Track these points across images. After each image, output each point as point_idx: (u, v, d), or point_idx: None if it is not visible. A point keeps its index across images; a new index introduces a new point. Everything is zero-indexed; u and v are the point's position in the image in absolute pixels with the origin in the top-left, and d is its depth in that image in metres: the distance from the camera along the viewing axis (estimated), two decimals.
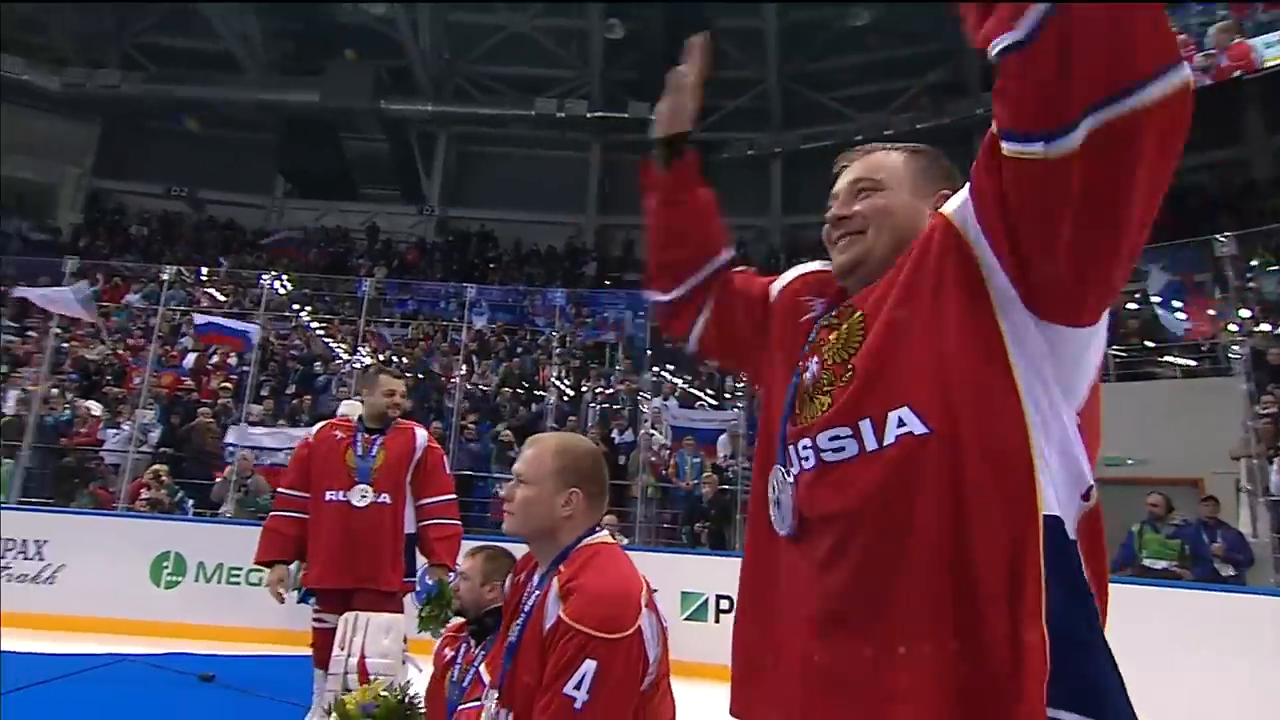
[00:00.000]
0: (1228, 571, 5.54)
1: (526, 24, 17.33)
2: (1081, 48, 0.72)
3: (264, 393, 9.79)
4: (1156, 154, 0.75)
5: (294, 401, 9.75)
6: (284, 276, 12.49)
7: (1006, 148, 0.81)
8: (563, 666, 1.35)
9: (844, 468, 0.96)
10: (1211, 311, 8.93)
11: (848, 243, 1.06)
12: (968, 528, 0.86)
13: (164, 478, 7.07)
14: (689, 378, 10.77)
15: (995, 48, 0.78)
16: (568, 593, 1.41)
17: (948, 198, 1.01)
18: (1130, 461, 8.66)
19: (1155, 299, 8.37)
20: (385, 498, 3.33)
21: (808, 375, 1.05)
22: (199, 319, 9.61)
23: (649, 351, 10.98)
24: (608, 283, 16.46)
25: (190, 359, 10.45)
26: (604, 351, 11.98)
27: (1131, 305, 10.79)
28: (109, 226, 17.86)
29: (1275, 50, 11.52)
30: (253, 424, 8.39)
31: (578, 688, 1.32)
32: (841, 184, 1.10)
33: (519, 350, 11.80)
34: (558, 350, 11.09)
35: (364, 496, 3.31)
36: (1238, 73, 11.86)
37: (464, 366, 10.18)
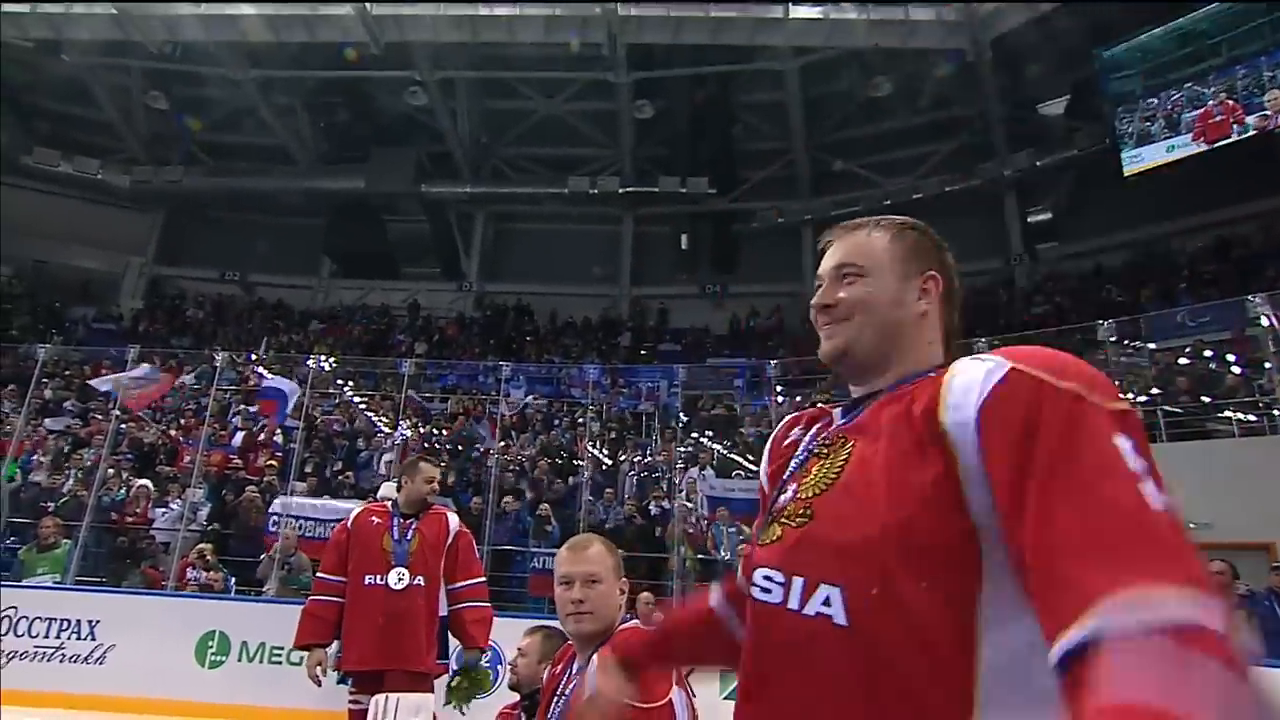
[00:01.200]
0: None
1: (559, 107, 18.18)
2: None
3: (308, 469, 10.03)
4: None
5: (338, 478, 9.95)
6: (328, 356, 12.92)
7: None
8: None
9: (769, 610, 0.93)
10: (1268, 365, 8.67)
11: (832, 331, 1.03)
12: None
13: (209, 556, 7.22)
14: (728, 444, 10.73)
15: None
16: None
17: (934, 278, 1.02)
18: (1192, 526, 8.29)
19: (1207, 353, 8.12)
20: (420, 580, 3.39)
21: (781, 499, 1.00)
22: (265, 379, 10.03)
23: (683, 420, 11.01)
24: (642, 353, 16.66)
25: (239, 438, 10.78)
26: (640, 422, 12.03)
27: (1183, 361, 10.53)
28: (167, 310, 18.80)
29: None
30: (298, 496, 8.59)
31: None
32: (826, 266, 1.07)
33: (556, 423, 11.92)
34: (594, 421, 11.18)
35: (400, 580, 3.38)
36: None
37: (501, 440, 10.30)
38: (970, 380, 0.81)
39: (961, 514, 0.79)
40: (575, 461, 10.42)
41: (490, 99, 18.32)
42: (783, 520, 0.96)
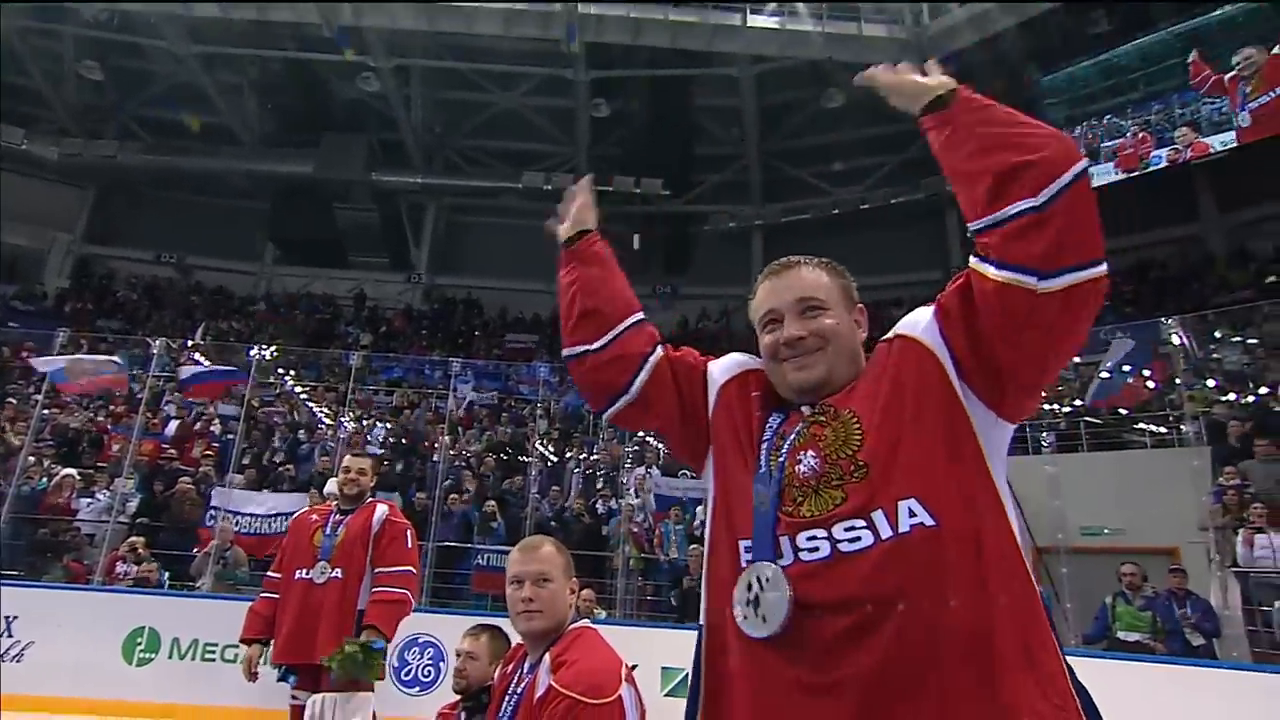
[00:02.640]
0: (1197, 640, 5.59)
1: (516, 101, 18.04)
2: (1072, 225, 1.03)
3: (246, 461, 9.75)
4: (1092, 312, 1.05)
5: (278, 470, 9.70)
6: (269, 344, 12.56)
7: (999, 274, 1.03)
8: None
9: (860, 557, 1.02)
10: (1178, 380, 9.24)
11: (807, 363, 1.14)
12: (987, 609, 0.97)
13: (140, 550, 6.98)
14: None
15: (1012, 209, 1.04)
16: (559, 665, 1.56)
17: (862, 309, 1.25)
18: (1107, 531, 8.77)
19: (1111, 369, 8.61)
20: (338, 573, 3.40)
21: (802, 468, 1.09)
22: (184, 371, 9.65)
23: None
24: None
25: (172, 426, 10.41)
26: (587, 420, 12.08)
27: (1105, 375, 11.13)
28: (95, 291, 17.94)
29: (1227, 138, 12.35)
30: (237, 488, 8.34)
31: None
32: (780, 301, 1.19)
33: (503, 419, 11.86)
34: (542, 419, 11.17)
35: (323, 573, 3.41)
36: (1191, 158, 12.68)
37: (448, 436, 10.22)
38: (922, 315, 1.14)
39: (955, 399, 1.07)
40: (521, 458, 10.40)
41: (446, 89, 18.04)
42: (834, 484, 1.07)
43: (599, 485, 9.80)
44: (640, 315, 1.36)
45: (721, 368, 1.29)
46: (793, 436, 1.12)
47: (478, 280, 19.33)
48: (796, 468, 1.09)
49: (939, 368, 1.08)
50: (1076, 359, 11.56)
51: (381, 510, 3.58)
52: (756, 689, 1.03)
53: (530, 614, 1.72)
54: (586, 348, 1.32)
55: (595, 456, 10.56)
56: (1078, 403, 10.59)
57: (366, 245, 19.66)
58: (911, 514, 1.01)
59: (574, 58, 16.01)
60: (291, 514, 7.58)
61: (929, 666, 0.95)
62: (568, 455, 10.77)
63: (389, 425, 11.46)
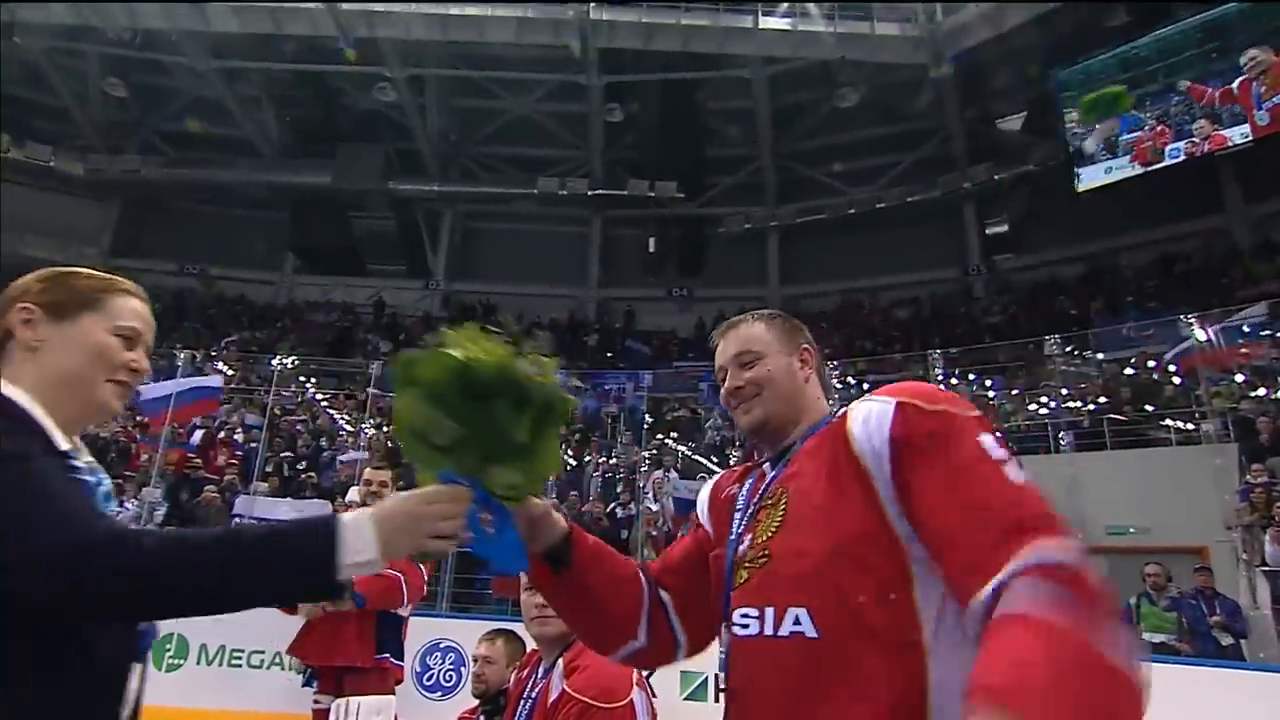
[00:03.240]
0: (1226, 641, 5.51)
1: (529, 108, 18.18)
2: None
3: (269, 469, 9.91)
4: None
5: (300, 478, 9.85)
6: (290, 352, 12.74)
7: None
8: None
9: (749, 643, 1.08)
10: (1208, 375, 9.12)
11: (747, 408, 1.25)
12: (851, 711, 0.96)
13: None
14: (692, 445, 10.88)
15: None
16: (571, 670, 1.60)
17: (808, 349, 1.27)
18: (1132, 530, 8.64)
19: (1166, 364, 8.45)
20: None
21: (741, 548, 1.16)
22: (149, 391, 8.69)
23: (649, 423, 11.13)
24: (609, 355, 16.75)
25: (198, 435, 10.60)
26: (605, 424, 12.13)
27: (1128, 371, 10.99)
28: None
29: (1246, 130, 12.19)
30: (260, 495, 8.49)
31: None
32: (724, 359, 1.29)
33: None
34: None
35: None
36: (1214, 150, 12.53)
37: None
38: (869, 416, 1.05)
39: (885, 525, 1.00)
40: None
41: (461, 97, 18.24)
42: (746, 565, 1.13)
43: (618, 489, 9.83)
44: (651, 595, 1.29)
45: (704, 490, 1.37)
46: (751, 510, 1.19)
47: (494, 286, 19.47)
48: (740, 546, 1.16)
49: (862, 468, 1.04)
50: (1100, 355, 11.46)
51: None
52: None
53: (544, 619, 1.76)
54: (633, 646, 1.28)
55: (614, 460, 10.60)
56: (1102, 400, 10.49)
57: (384, 253, 19.90)
58: (796, 622, 1.02)
59: (587, 63, 16.11)
60: None
61: None
62: (586, 459, 10.82)
63: None
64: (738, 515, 1.21)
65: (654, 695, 1.71)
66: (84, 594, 0.83)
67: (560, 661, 1.65)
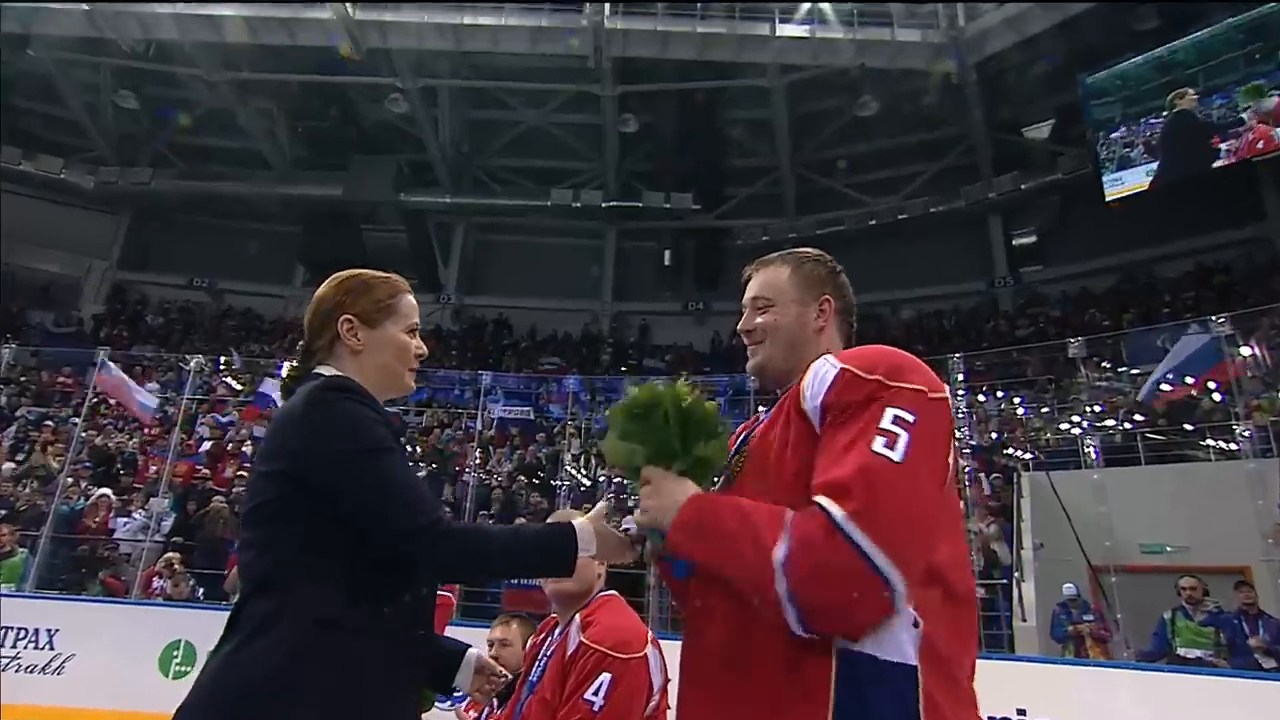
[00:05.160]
0: (1269, 664, 5.45)
1: (543, 119, 18.50)
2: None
3: None
4: None
5: None
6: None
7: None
8: (583, 678, 1.66)
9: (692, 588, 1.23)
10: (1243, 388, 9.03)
11: (754, 350, 1.38)
12: (761, 644, 1.07)
13: (177, 566, 7.26)
14: None
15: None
16: (588, 624, 1.69)
17: (828, 300, 1.36)
18: (1169, 549, 8.56)
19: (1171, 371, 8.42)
20: None
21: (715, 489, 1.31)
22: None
23: None
24: (624, 370, 16.85)
25: (206, 447, 10.80)
26: None
27: (1165, 387, 10.91)
28: (130, 317, 18.70)
29: None
30: None
31: (595, 694, 1.62)
32: (746, 297, 1.41)
33: (536, 438, 12.05)
34: (574, 438, 11.33)
35: None
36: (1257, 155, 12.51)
37: (478, 455, 10.41)
38: (815, 377, 1.15)
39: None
40: (553, 483, 10.54)
41: (474, 108, 18.59)
42: None
43: (631, 503, 9.88)
44: None
45: None
46: (732, 459, 1.33)
47: (507, 299, 19.71)
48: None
49: (815, 441, 1.12)
50: (1135, 371, 11.39)
51: None
52: None
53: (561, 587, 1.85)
54: None
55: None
56: (1138, 417, 10.42)
57: (395, 266, 19.27)
58: None
59: (601, 73, 16.39)
60: None
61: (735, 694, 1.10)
62: (600, 475, 10.89)
63: (418, 447, 11.72)
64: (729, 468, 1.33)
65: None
66: (435, 560, 1.27)
67: (576, 617, 1.74)
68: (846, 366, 1.12)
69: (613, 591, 1.90)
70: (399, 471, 1.28)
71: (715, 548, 1.08)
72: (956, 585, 1.10)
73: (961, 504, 1.28)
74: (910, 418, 1.05)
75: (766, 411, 1.33)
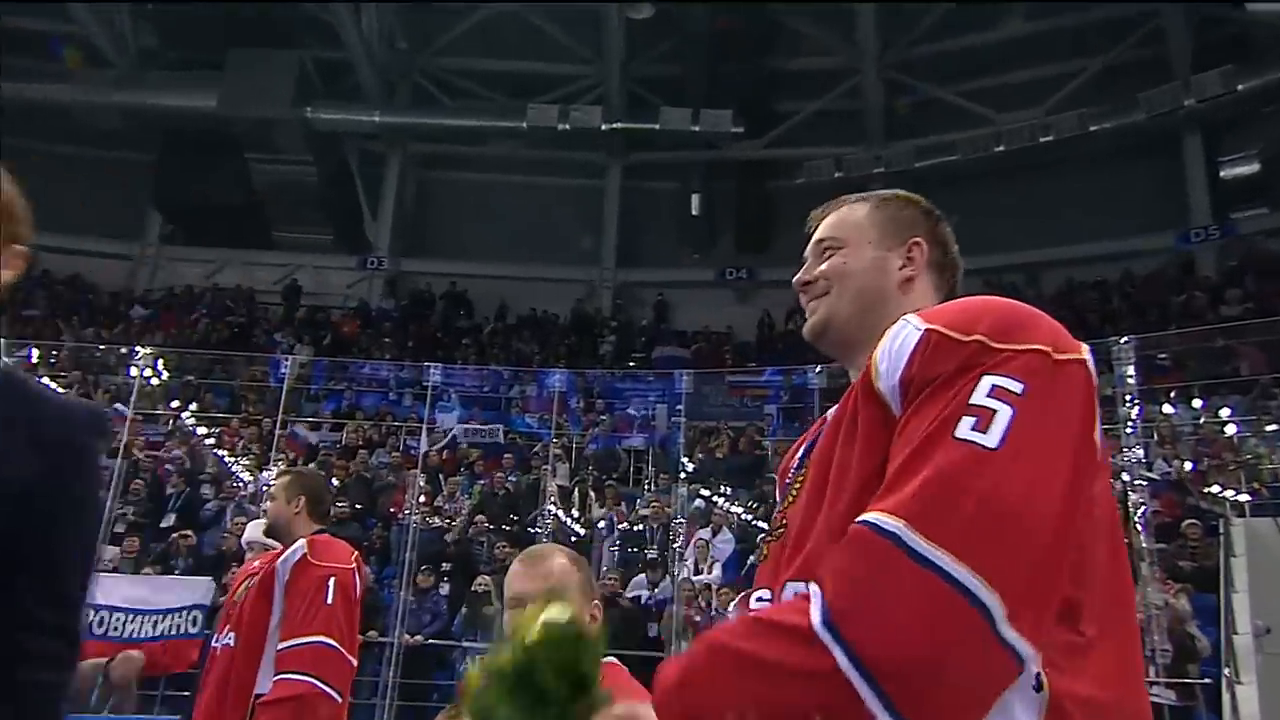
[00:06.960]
0: None
1: (515, 2, 18.45)
2: None
3: (120, 528, 10.12)
4: None
5: (171, 539, 10.06)
6: (157, 358, 13.00)
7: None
8: None
9: None
10: None
11: (814, 307, 1.43)
12: None
13: None
14: (751, 501, 10.94)
15: None
16: None
17: (919, 244, 1.41)
18: None
19: None
20: (230, 639, 3.69)
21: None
22: None
23: (687, 464, 11.17)
24: (631, 364, 16.84)
25: None
26: (625, 463, 12.23)
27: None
28: None
29: None
30: (105, 573, 8.61)
31: None
32: (809, 247, 1.48)
33: (504, 461, 12.11)
34: (560, 462, 11.38)
35: (225, 639, 3.73)
36: None
37: (423, 486, 10.46)
38: (892, 345, 1.16)
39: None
40: (531, 529, 10.60)
41: None
42: (769, 540, 1.36)
43: (645, 556, 9.95)
44: None
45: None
46: (795, 470, 1.41)
47: (463, 265, 19.80)
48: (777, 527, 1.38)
49: (884, 407, 1.15)
50: None
51: (297, 549, 3.65)
52: None
53: None
54: None
55: (645, 512, 10.67)
56: None
57: (300, 216, 20.24)
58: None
59: None
60: (186, 608, 7.88)
61: None
62: (598, 516, 10.94)
63: (334, 476, 11.80)
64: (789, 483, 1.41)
65: None
66: None
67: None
68: (933, 327, 1.12)
69: (610, 659, 1.93)
70: None
71: (725, 689, 0.98)
72: (1109, 611, 1.08)
73: (1128, 552, 1.26)
74: (1017, 387, 1.03)
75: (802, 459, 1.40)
